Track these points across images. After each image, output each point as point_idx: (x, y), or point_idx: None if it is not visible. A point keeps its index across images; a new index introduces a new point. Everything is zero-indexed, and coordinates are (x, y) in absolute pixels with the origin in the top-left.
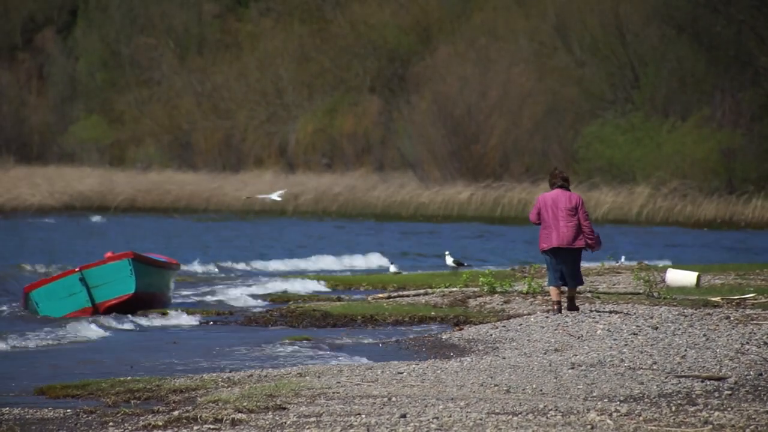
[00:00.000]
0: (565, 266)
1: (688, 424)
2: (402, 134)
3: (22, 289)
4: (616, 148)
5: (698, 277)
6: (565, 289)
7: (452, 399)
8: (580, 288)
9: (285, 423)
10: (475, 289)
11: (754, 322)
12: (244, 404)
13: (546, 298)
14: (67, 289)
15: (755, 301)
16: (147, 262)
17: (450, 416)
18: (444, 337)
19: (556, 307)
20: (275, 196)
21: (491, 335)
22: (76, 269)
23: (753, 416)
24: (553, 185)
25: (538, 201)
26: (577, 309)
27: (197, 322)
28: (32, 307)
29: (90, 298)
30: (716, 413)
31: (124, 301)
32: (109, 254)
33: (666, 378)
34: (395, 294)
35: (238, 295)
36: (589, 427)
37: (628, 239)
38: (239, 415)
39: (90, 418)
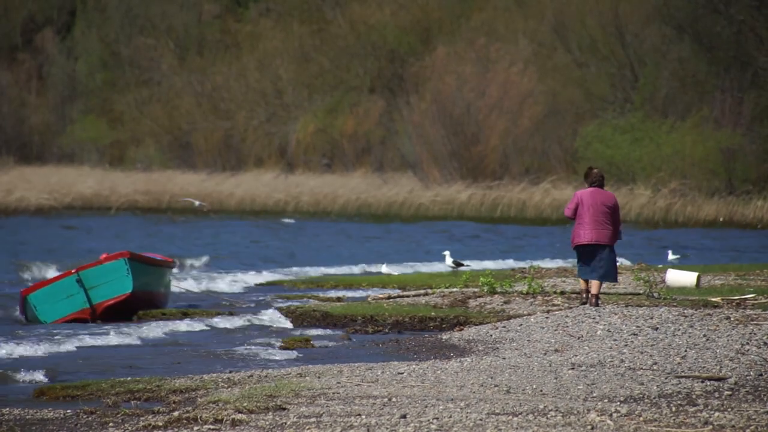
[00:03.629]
0: (597, 261)
1: (688, 425)
2: (402, 135)
3: (19, 293)
4: (615, 148)
5: (698, 278)
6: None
7: (452, 399)
8: (578, 288)
9: (285, 423)
10: (475, 290)
11: (754, 322)
12: (244, 405)
13: (546, 298)
14: (64, 291)
15: (755, 302)
16: (143, 261)
17: (450, 417)
18: (444, 337)
19: (584, 296)
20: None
21: (491, 336)
22: (73, 271)
23: (753, 417)
24: (592, 183)
25: (576, 197)
26: (598, 304)
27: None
28: (30, 311)
29: (87, 299)
30: (716, 414)
31: (121, 300)
32: (104, 255)
33: (666, 378)
34: (395, 294)
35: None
36: (589, 427)
37: (628, 239)
38: (239, 416)
39: (90, 418)
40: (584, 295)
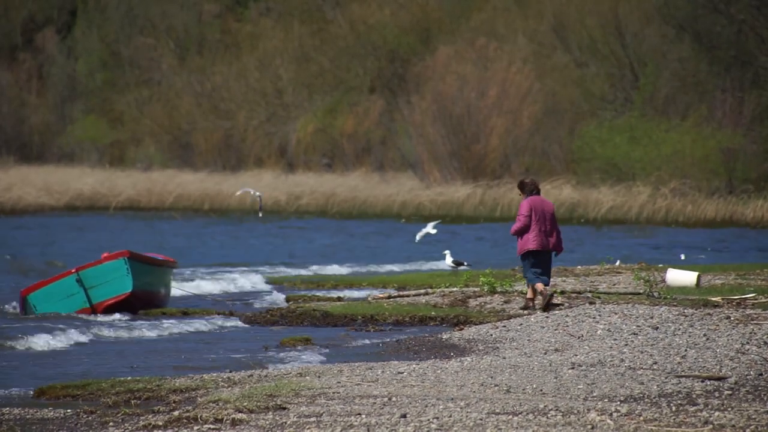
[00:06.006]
0: (544, 266)
1: (688, 424)
2: (402, 134)
3: (19, 292)
4: (614, 148)
5: (698, 277)
6: (541, 287)
7: (452, 399)
8: (578, 288)
9: (285, 423)
10: (476, 289)
11: (755, 322)
12: (245, 404)
13: None
14: (64, 290)
15: (755, 301)
16: (143, 260)
17: (450, 416)
18: (444, 337)
19: (533, 304)
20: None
21: (491, 335)
22: (73, 270)
23: (753, 416)
24: (531, 192)
25: (529, 207)
26: (555, 305)
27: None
28: (30, 310)
29: (87, 298)
30: (716, 413)
31: (121, 300)
32: (105, 254)
33: (666, 378)
34: (395, 294)
35: None
36: (589, 427)
37: (628, 239)
38: (239, 415)
39: (90, 418)
40: (532, 304)
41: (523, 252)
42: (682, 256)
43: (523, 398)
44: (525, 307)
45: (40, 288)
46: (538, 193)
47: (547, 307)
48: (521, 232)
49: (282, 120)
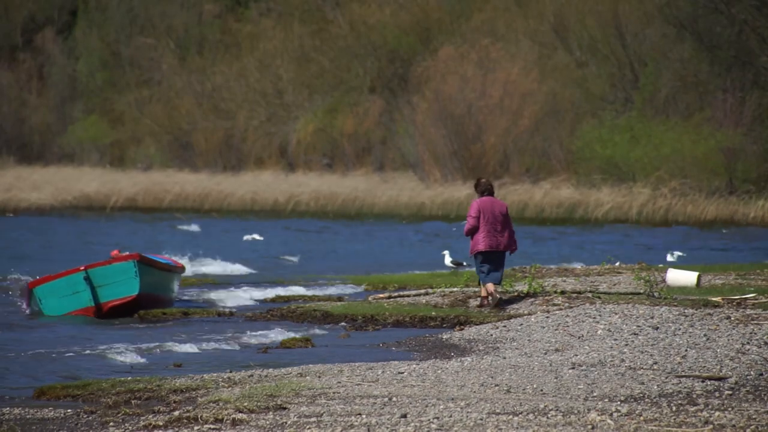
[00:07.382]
0: (495, 266)
1: (688, 424)
2: (402, 134)
3: (26, 285)
4: (614, 148)
5: (699, 277)
6: (491, 287)
7: (453, 399)
8: (579, 288)
9: (285, 423)
10: (476, 289)
11: (755, 322)
12: (245, 404)
13: (547, 298)
14: (71, 287)
15: (756, 301)
16: (152, 264)
17: (450, 416)
18: (444, 337)
19: (490, 301)
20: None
21: (492, 335)
22: (81, 268)
23: (753, 416)
24: (483, 193)
25: (478, 208)
26: (498, 305)
27: None
28: (35, 303)
29: (94, 297)
30: (717, 413)
31: (127, 302)
32: (115, 253)
33: (666, 378)
34: (396, 294)
35: None
36: (589, 427)
37: (628, 239)
38: (240, 415)
39: (90, 418)
40: (490, 301)
41: (474, 252)
42: (668, 257)
43: (523, 398)
44: (480, 306)
45: (46, 282)
46: (491, 193)
47: (498, 305)
48: (471, 232)
49: (282, 120)
